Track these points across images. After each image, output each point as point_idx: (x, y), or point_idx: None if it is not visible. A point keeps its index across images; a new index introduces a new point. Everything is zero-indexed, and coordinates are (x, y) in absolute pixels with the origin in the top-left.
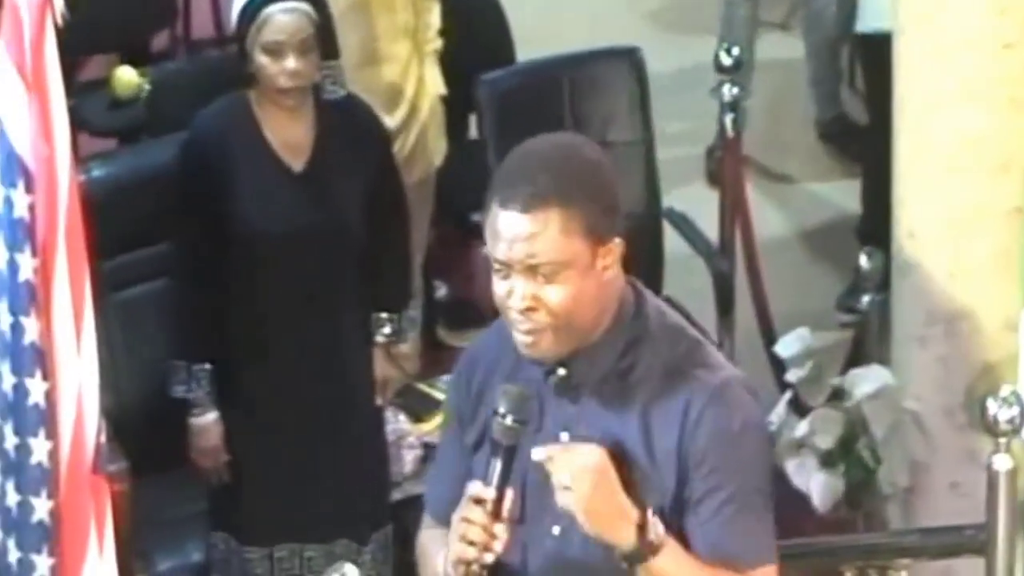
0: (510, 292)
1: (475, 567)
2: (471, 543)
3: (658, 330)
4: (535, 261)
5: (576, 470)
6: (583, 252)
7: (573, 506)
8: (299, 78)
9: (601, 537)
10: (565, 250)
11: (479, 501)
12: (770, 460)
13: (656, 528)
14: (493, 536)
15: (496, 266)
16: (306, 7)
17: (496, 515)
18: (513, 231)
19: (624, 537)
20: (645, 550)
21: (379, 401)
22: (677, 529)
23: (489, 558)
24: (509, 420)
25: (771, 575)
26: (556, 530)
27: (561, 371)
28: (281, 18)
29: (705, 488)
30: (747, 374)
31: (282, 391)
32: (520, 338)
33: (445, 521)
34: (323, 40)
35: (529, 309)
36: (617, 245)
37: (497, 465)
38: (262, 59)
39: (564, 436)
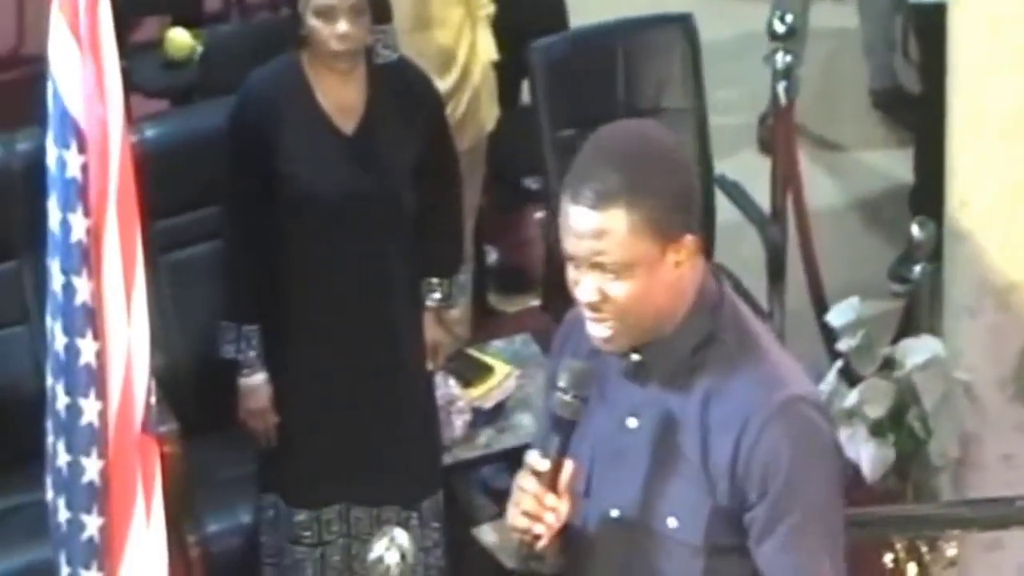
0: (578, 283)
1: (528, 536)
2: (524, 513)
3: (732, 332)
4: (602, 259)
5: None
6: (651, 250)
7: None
8: (349, 41)
9: None
10: (632, 249)
11: (535, 472)
12: (837, 480)
13: None
14: (544, 507)
15: (569, 258)
16: None
17: (552, 487)
18: (581, 227)
19: None
20: None
21: (430, 366)
22: (726, 537)
23: (540, 528)
24: (568, 396)
25: None
26: (615, 512)
27: (635, 356)
28: None
29: (765, 517)
30: (798, 344)
31: (331, 354)
32: (589, 329)
33: None
34: (375, 4)
35: (596, 303)
36: (690, 241)
37: (555, 438)
38: (314, 22)
39: (632, 422)
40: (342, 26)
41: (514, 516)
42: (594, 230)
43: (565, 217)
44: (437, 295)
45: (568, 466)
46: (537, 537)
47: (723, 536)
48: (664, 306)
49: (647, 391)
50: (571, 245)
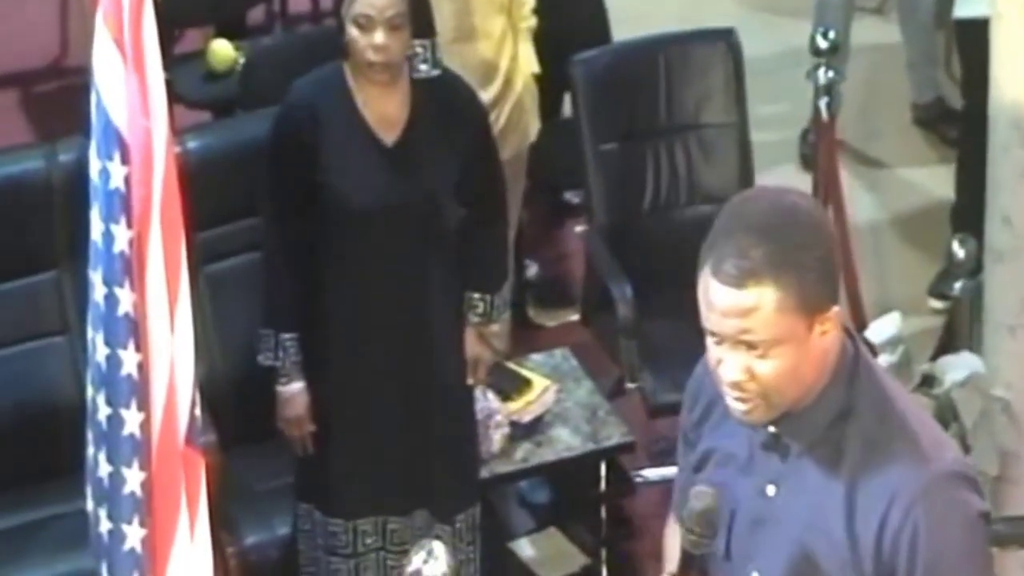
0: (720, 362)
1: None
2: None
3: (870, 403)
4: (748, 337)
5: None
6: (799, 325)
7: None
8: (386, 53)
9: None
10: (780, 327)
11: None
12: (984, 554)
13: None
14: None
15: (709, 333)
16: None
17: None
18: (725, 305)
19: None
20: None
21: (470, 380)
22: None
23: None
24: (694, 536)
25: None
26: (755, 574)
27: (772, 428)
28: None
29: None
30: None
31: (369, 364)
32: (731, 405)
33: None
34: (416, 17)
35: (740, 383)
36: (836, 312)
37: (681, 566)
38: (353, 31)
39: (771, 489)
40: (379, 37)
41: None
42: (740, 308)
43: (705, 292)
44: (479, 310)
45: None
46: None
47: None
48: (810, 380)
49: (789, 465)
50: (713, 323)
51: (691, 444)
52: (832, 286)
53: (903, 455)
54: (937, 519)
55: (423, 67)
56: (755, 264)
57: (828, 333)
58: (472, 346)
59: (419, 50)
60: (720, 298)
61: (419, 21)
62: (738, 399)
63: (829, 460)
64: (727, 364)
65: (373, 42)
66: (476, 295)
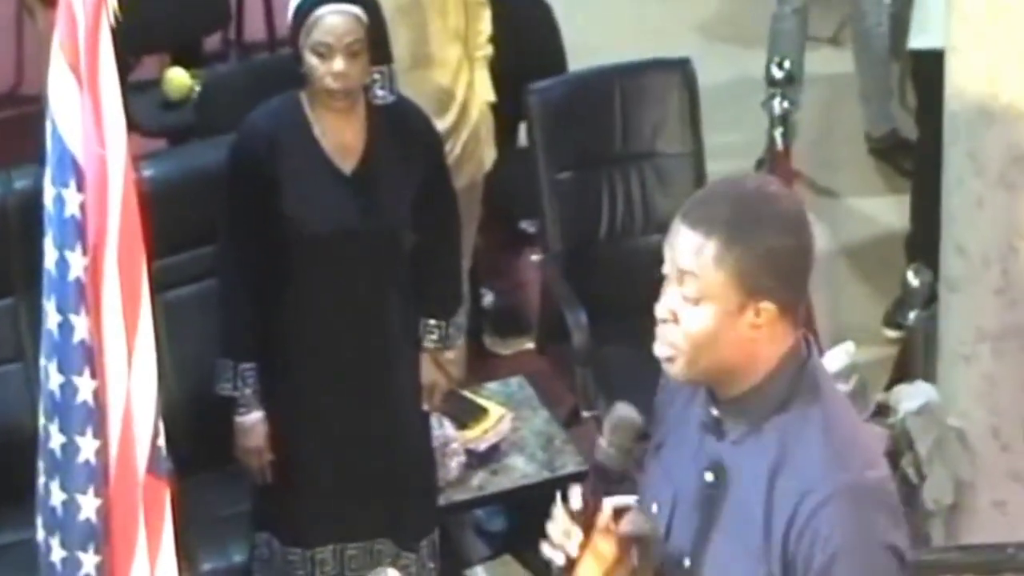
0: (660, 300)
1: (556, 565)
2: (548, 542)
3: (805, 403)
4: (683, 280)
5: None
6: (730, 296)
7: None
8: (346, 80)
9: None
10: (712, 283)
11: (570, 511)
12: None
13: None
14: (567, 539)
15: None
16: (357, 10)
17: (580, 523)
18: (677, 239)
19: None
20: None
21: (426, 407)
22: None
23: (560, 558)
24: (606, 444)
25: None
26: (687, 562)
27: (714, 412)
28: (331, 20)
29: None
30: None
31: (328, 392)
32: (655, 347)
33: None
34: (374, 44)
35: (665, 322)
36: (769, 309)
37: (593, 483)
38: (311, 60)
39: (708, 475)
40: (338, 64)
41: (543, 545)
42: (686, 248)
43: (669, 234)
44: (434, 336)
45: (606, 509)
46: (561, 567)
47: None
48: (730, 359)
49: (726, 449)
50: (666, 256)
51: (656, 422)
52: (777, 283)
53: (823, 458)
54: (841, 526)
55: (380, 93)
56: (715, 217)
57: (760, 328)
58: (428, 372)
59: (377, 76)
60: (675, 231)
61: (376, 48)
62: (660, 340)
63: (758, 453)
64: (661, 302)
65: (332, 69)
66: (431, 321)
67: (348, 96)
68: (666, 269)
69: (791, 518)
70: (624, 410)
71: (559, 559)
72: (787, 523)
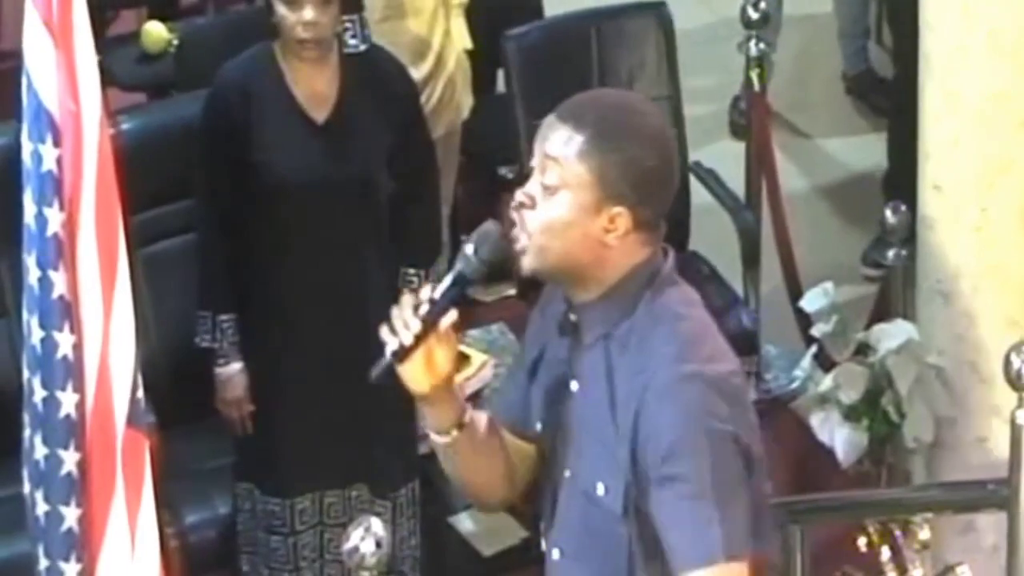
0: (519, 190)
1: (389, 349)
2: (387, 326)
3: (652, 307)
4: (545, 169)
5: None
6: (586, 192)
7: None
8: (316, 29)
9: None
10: (571, 176)
11: (416, 303)
12: (727, 460)
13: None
14: (406, 327)
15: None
16: None
17: (423, 319)
18: (547, 130)
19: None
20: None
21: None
22: (638, 502)
23: (393, 343)
24: (468, 251)
25: (721, 572)
26: (567, 473)
27: (572, 317)
28: None
29: (654, 486)
30: (772, 330)
31: (307, 342)
32: (512, 232)
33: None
34: None
35: (521, 204)
36: (622, 217)
37: (448, 279)
38: (282, 9)
39: (573, 385)
40: (308, 13)
41: (383, 330)
42: (554, 138)
43: (543, 125)
44: (415, 286)
45: (452, 314)
46: (395, 354)
47: (642, 503)
48: (579, 257)
49: (585, 357)
50: (535, 151)
51: (530, 342)
52: (633, 193)
53: (667, 354)
54: (678, 415)
55: (352, 41)
56: (586, 116)
57: (613, 233)
58: None
59: (348, 25)
60: (547, 124)
61: None
62: (516, 225)
63: (609, 356)
64: (524, 188)
65: (303, 18)
66: (411, 270)
67: (319, 45)
68: (533, 161)
69: (636, 412)
70: (491, 226)
71: (392, 344)
72: (633, 419)
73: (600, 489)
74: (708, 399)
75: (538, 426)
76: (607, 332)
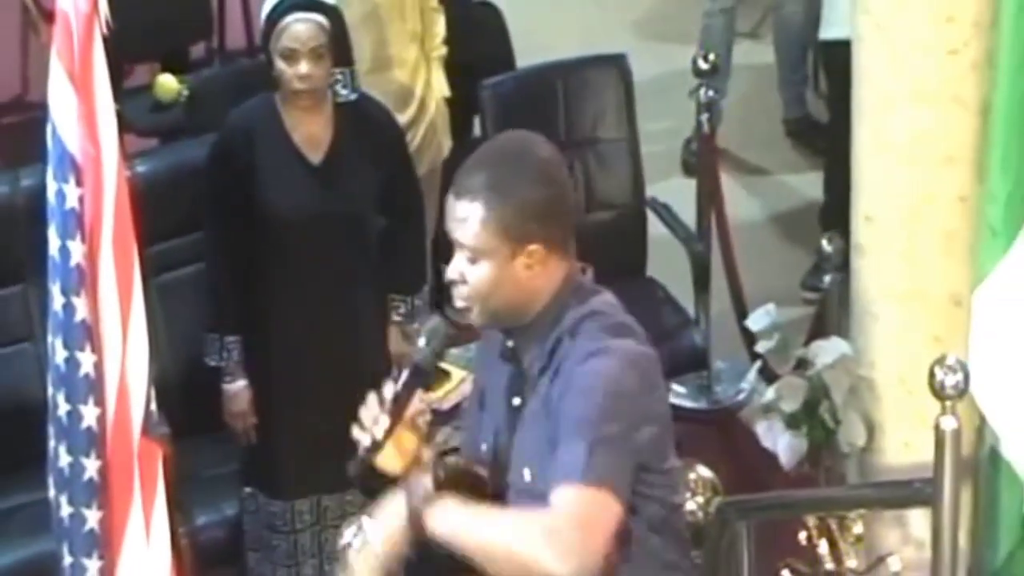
0: (451, 264)
1: (362, 446)
2: (360, 425)
3: (573, 314)
4: (462, 243)
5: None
6: (501, 248)
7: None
8: (310, 81)
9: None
10: (483, 241)
11: (381, 399)
12: (616, 408)
13: (420, 487)
14: (376, 423)
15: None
16: (319, 18)
17: (390, 413)
18: (450, 211)
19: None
20: (415, 499)
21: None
22: None
23: (366, 440)
24: (421, 343)
25: (576, 493)
26: (527, 475)
27: (509, 343)
28: (296, 27)
29: (555, 420)
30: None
31: (304, 361)
32: (454, 300)
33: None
34: (335, 48)
35: (454, 282)
36: (537, 250)
37: (406, 373)
38: (280, 64)
39: (516, 400)
40: (303, 67)
41: (354, 429)
42: (457, 216)
43: (447, 205)
44: (401, 311)
45: (415, 402)
46: (369, 449)
47: None
48: (515, 299)
49: (524, 374)
50: (449, 228)
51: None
52: (541, 227)
53: (589, 336)
54: (583, 368)
55: (343, 91)
56: (474, 184)
57: (533, 268)
58: (396, 343)
59: (339, 76)
60: (449, 206)
61: (338, 51)
62: (456, 296)
63: (544, 363)
64: (451, 265)
65: (298, 72)
66: (398, 297)
67: (313, 95)
68: (448, 228)
69: (562, 389)
70: (436, 320)
71: (365, 440)
72: (559, 393)
73: (528, 476)
74: (619, 369)
75: (483, 446)
76: (541, 345)
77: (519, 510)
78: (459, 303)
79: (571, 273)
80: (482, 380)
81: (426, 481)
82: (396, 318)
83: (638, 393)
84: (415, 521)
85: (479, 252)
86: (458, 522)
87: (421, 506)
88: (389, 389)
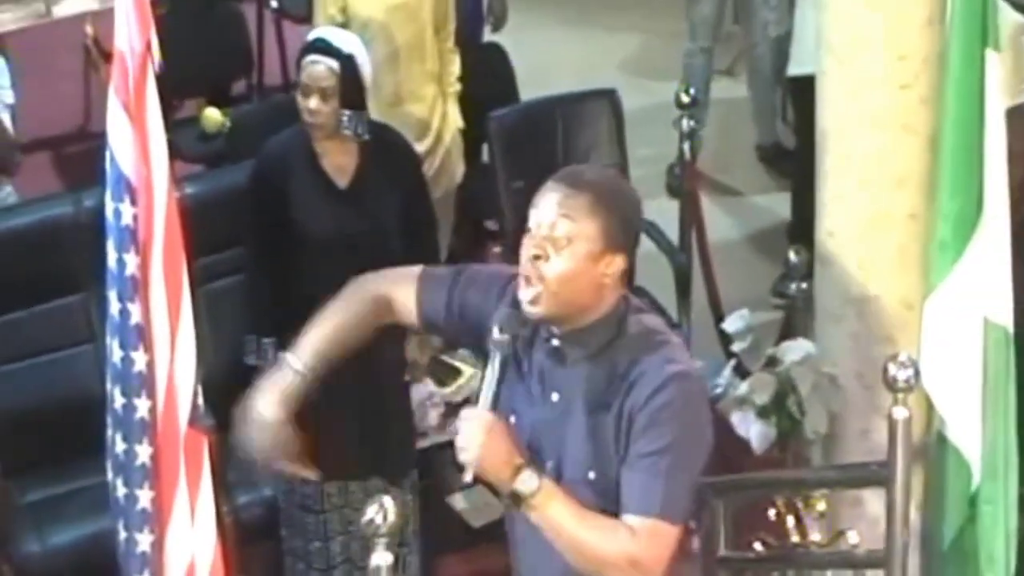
0: (527, 249)
1: (467, 474)
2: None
3: (634, 332)
4: (556, 231)
5: (468, 436)
6: (594, 243)
7: (467, 460)
8: (316, 116)
9: (490, 480)
10: (582, 231)
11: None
12: (700, 440)
13: (527, 480)
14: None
15: (529, 231)
16: (331, 62)
17: (488, 405)
18: (554, 198)
19: (504, 484)
20: (521, 494)
21: (407, 378)
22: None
23: (469, 463)
24: (498, 335)
25: (650, 528)
26: (549, 464)
27: (555, 343)
28: (310, 67)
29: (633, 454)
30: (701, 347)
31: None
32: (520, 292)
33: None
34: (344, 91)
35: (536, 257)
36: (619, 261)
37: (490, 372)
38: (298, 97)
39: (555, 396)
40: (312, 103)
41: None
42: (563, 199)
43: (541, 193)
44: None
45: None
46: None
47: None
48: (582, 300)
49: (568, 373)
50: (538, 214)
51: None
52: (627, 242)
53: (659, 359)
54: (673, 399)
55: (346, 131)
56: (589, 181)
57: (608, 277)
58: (413, 351)
59: (343, 118)
60: (551, 191)
61: (347, 94)
62: (526, 284)
63: (604, 368)
64: (529, 245)
65: (308, 106)
66: None
67: (321, 129)
68: (537, 222)
69: (623, 398)
70: (507, 310)
71: (469, 463)
72: (620, 401)
73: (592, 475)
74: (693, 393)
75: (511, 418)
76: (590, 353)
77: (609, 523)
78: (529, 291)
79: (625, 293)
80: (484, 314)
81: (528, 473)
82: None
83: (705, 423)
84: (516, 500)
85: (576, 235)
86: (559, 514)
87: (527, 493)
88: (486, 384)
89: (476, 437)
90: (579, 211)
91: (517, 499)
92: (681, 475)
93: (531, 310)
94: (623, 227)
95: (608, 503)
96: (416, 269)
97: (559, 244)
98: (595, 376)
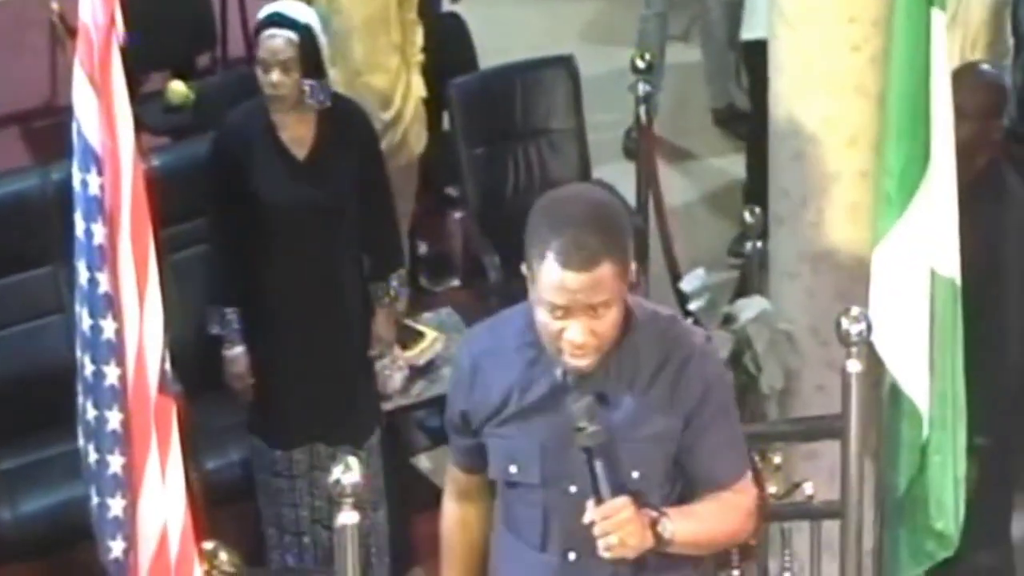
0: (564, 330)
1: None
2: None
3: (639, 312)
4: (594, 303)
5: (625, 532)
6: (623, 284)
7: (621, 553)
8: (277, 89)
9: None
10: (615, 288)
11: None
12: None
13: (665, 527)
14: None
15: (552, 309)
16: (289, 34)
17: (610, 495)
18: (577, 285)
19: (649, 544)
20: (665, 541)
21: (373, 352)
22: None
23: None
24: (590, 429)
25: (744, 483)
26: (573, 488)
27: (568, 378)
28: (268, 41)
29: (702, 427)
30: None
31: (293, 332)
32: (571, 363)
33: (468, 469)
34: (304, 61)
35: (585, 342)
36: (632, 264)
37: (599, 467)
38: (258, 71)
39: (584, 424)
40: (273, 76)
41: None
42: (591, 284)
43: (553, 278)
44: (386, 300)
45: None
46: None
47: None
48: (619, 324)
49: (600, 396)
50: (564, 299)
51: (474, 412)
52: (629, 243)
53: (675, 335)
54: (711, 366)
55: (310, 101)
56: (595, 250)
57: (626, 287)
58: (381, 326)
59: (306, 88)
60: (572, 281)
61: (307, 64)
62: (579, 356)
63: (629, 368)
64: (573, 330)
65: (269, 80)
66: (380, 281)
67: (283, 101)
68: (565, 305)
69: (674, 383)
70: (587, 399)
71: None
72: (671, 388)
73: (635, 475)
74: (718, 355)
75: (511, 468)
76: (624, 363)
77: (715, 506)
78: (581, 361)
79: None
80: (493, 409)
81: (661, 522)
82: (383, 303)
83: None
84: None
85: (613, 300)
86: (689, 530)
87: (670, 537)
88: (602, 487)
89: (629, 526)
90: (607, 281)
91: (662, 546)
92: (739, 425)
93: (582, 365)
94: (626, 243)
95: (660, 499)
96: (449, 472)
97: (600, 299)
98: (626, 377)
